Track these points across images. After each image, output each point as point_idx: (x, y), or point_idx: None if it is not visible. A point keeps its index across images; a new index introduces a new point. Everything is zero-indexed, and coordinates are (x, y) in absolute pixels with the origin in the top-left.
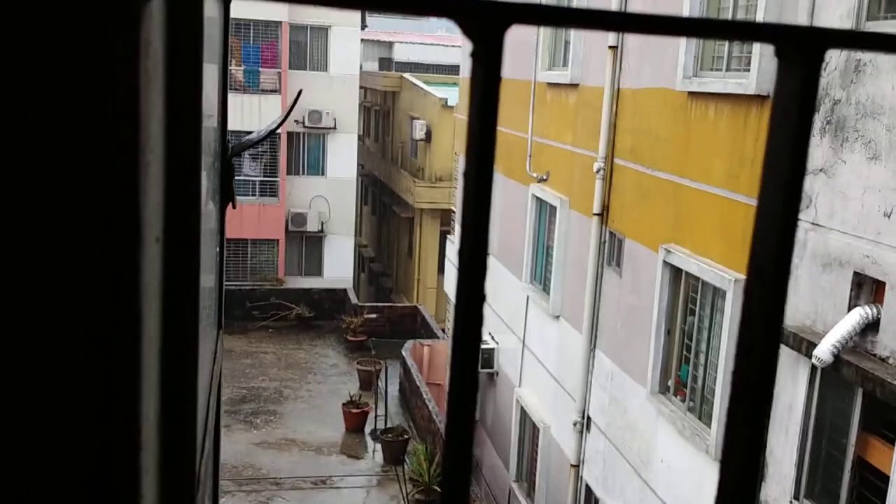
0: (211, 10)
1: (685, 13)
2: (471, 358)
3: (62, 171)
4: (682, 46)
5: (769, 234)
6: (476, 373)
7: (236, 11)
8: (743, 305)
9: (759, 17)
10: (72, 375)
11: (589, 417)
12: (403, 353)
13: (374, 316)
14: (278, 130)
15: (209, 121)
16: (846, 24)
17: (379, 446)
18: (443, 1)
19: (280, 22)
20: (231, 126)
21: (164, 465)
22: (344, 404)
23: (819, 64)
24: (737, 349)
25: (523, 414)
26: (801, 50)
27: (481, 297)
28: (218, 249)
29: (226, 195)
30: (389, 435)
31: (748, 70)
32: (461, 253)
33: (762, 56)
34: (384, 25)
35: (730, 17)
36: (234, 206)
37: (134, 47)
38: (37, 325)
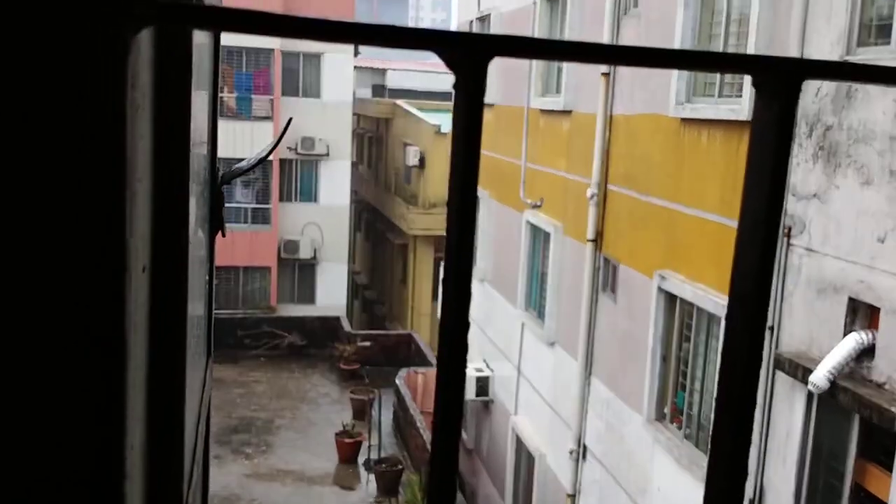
0: (201, 37)
1: (677, 39)
2: (456, 383)
3: (47, 202)
4: (675, 73)
5: (749, 260)
6: (461, 396)
7: (228, 39)
8: (725, 330)
9: (751, 43)
10: (54, 403)
11: (585, 446)
12: (397, 381)
13: (367, 344)
14: (270, 157)
15: (199, 148)
16: (836, 50)
17: (373, 477)
18: (425, 35)
19: (272, 49)
20: (223, 153)
21: (150, 494)
22: (337, 434)
23: (796, 94)
24: (721, 369)
25: (519, 442)
26: (779, 81)
27: (465, 324)
28: (207, 278)
29: (215, 223)
30: (383, 465)
31: (740, 96)
32: (445, 282)
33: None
34: (377, 53)
35: (721, 43)
36: (223, 235)
37: (121, 79)
38: (18, 354)
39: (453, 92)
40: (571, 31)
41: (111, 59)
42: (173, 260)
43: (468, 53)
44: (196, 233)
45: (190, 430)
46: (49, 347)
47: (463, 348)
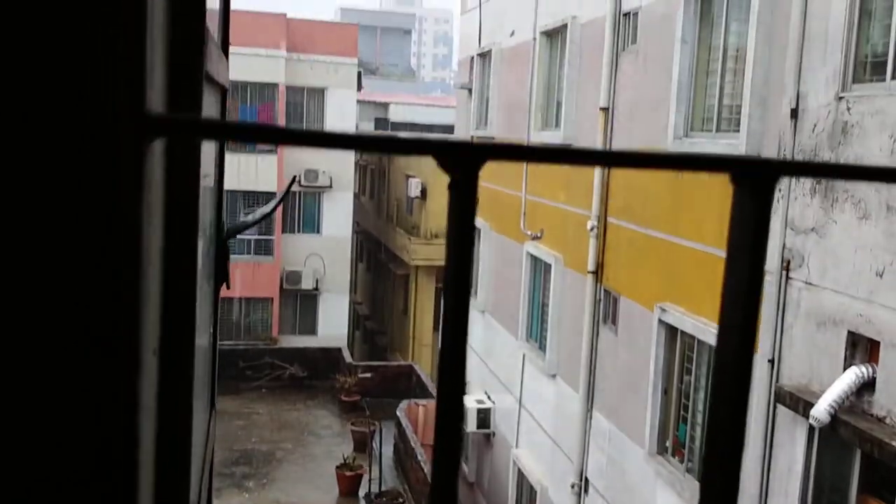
0: (207, 104)
1: (675, 74)
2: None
3: (64, 303)
4: (673, 107)
5: (729, 349)
6: (461, 431)
7: (233, 73)
8: (708, 429)
9: (747, 80)
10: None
11: (587, 479)
12: (398, 413)
13: (368, 375)
14: (272, 188)
15: (206, 204)
16: (832, 87)
17: None
18: (424, 142)
19: (277, 84)
20: (227, 185)
21: None
22: (337, 467)
23: (771, 192)
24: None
25: (520, 475)
26: (755, 179)
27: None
28: (212, 330)
29: (220, 276)
30: (384, 499)
31: (738, 131)
32: (439, 377)
33: (751, 117)
34: (380, 87)
35: (717, 79)
36: (227, 287)
37: (137, 185)
38: (32, 446)
39: (448, 191)
40: (571, 67)
41: (128, 168)
42: (181, 340)
43: (462, 159)
44: (201, 288)
45: (193, 483)
46: (59, 436)
47: (461, 385)
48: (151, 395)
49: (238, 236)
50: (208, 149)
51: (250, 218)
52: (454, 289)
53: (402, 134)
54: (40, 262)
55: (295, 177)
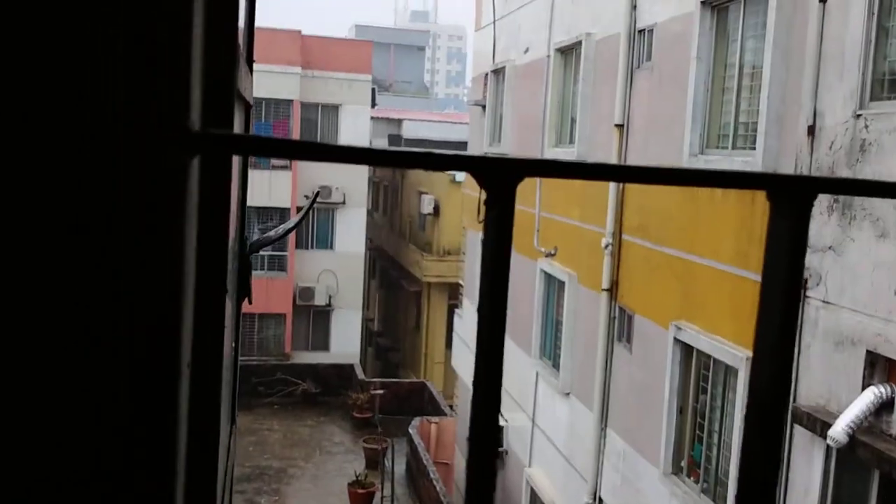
0: (238, 119)
1: (690, 92)
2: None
3: (109, 316)
4: (688, 124)
5: (766, 369)
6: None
7: None
8: (742, 447)
9: (763, 97)
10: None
11: (601, 498)
12: (410, 430)
13: (380, 392)
14: (286, 204)
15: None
16: (849, 105)
17: None
18: (462, 159)
19: (291, 100)
20: None
21: None
22: (349, 484)
23: (808, 209)
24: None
25: (533, 495)
26: (792, 196)
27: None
28: (234, 345)
29: (242, 292)
30: None
31: (754, 148)
32: (474, 400)
33: (767, 135)
34: (394, 103)
35: (733, 96)
36: (250, 302)
37: (181, 198)
38: (80, 461)
39: (485, 207)
40: (585, 84)
41: (173, 183)
42: (212, 354)
43: (499, 175)
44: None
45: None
46: (105, 446)
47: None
48: (185, 407)
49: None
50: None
51: (273, 233)
52: (490, 306)
53: (440, 151)
54: (86, 277)
55: (318, 191)
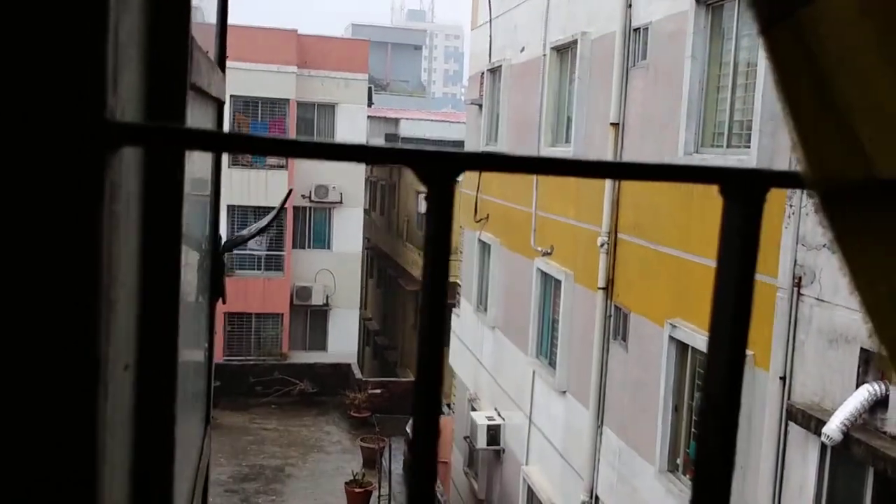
0: (203, 117)
1: (685, 90)
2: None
3: (18, 316)
4: (683, 123)
5: (720, 366)
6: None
7: (244, 89)
8: (697, 441)
9: (758, 95)
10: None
11: (597, 496)
12: (408, 429)
13: (378, 391)
14: (285, 206)
15: (202, 217)
16: None
17: None
18: (399, 151)
19: (288, 100)
20: (238, 201)
21: None
22: (347, 483)
23: (761, 202)
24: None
25: (530, 493)
26: (744, 190)
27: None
28: (207, 345)
29: (216, 291)
30: None
31: (748, 147)
32: (416, 390)
33: (762, 133)
34: (391, 102)
35: (728, 94)
36: (223, 302)
37: (97, 196)
38: None
39: (425, 202)
40: (580, 83)
41: (88, 176)
42: (162, 355)
43: (437, 169)
44: (196, 301)
45: (181, 503)
46: (21, 446)
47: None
48: (125, 410)
49: (248, 252)
50: (204, 164)
51: (246, 232)
52: (431, 296)
53: (376, 143)
54: None
55: (291, 190)
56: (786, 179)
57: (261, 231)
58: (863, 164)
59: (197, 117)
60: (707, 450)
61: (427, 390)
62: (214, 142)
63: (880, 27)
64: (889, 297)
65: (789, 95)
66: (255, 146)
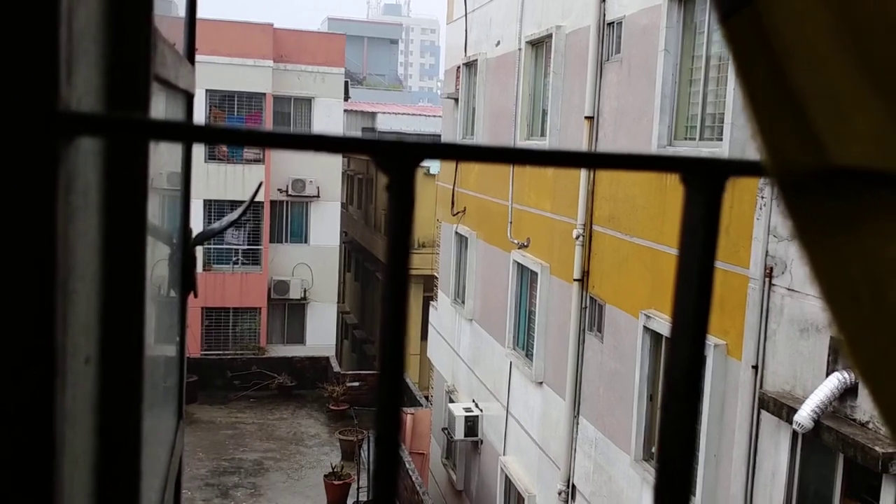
0: (173, 111)
1: (658, 83)
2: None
3: None
4: (657, 116)
5: (682, 348)
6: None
7: (221, 83)
8: (659, 431)
9: (730, 88)
10: None
11: (574, 486)
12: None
13: (356, 384)
14: (260, 198)
15: (172, 209)
16: None
17: None
18: (358, 141)
19: (264, 94)
20: (215, 196)
21: None
22: (326, 476)
23: (721, 190)
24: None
25: (508, 483)
26: (705, 178)
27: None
28: (179, 339)
29: (187, 284)
30: None
31: (721, 139)
32: (379, 381)
33: (734, 126)
34: (367, 97)
35: (701, 87)
36: (195, 296)
37: (51, 187)
38: None
39: (385, 192)
40: (556, 77)
41: (38, 167)
42: (127, 348)
43: (396, 158)
44: (167, 294)
45: (153, 498)
46: None
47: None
48: (87, 402)
49: (226, 246)
50: (174, 156)
51: (217, 225)
52: (392, 287)
53: (334, 133)
54: None
55: (261, 183)
56: (746, 168)
57: (232, 223)
58: (817, 152)
59: (163, 110)
60: (669, 431)
61: (391, 380)
62: (169, 131)
63: (835, 14)
64: (846, 287)
65: (748, 84)
66: (212, 136)
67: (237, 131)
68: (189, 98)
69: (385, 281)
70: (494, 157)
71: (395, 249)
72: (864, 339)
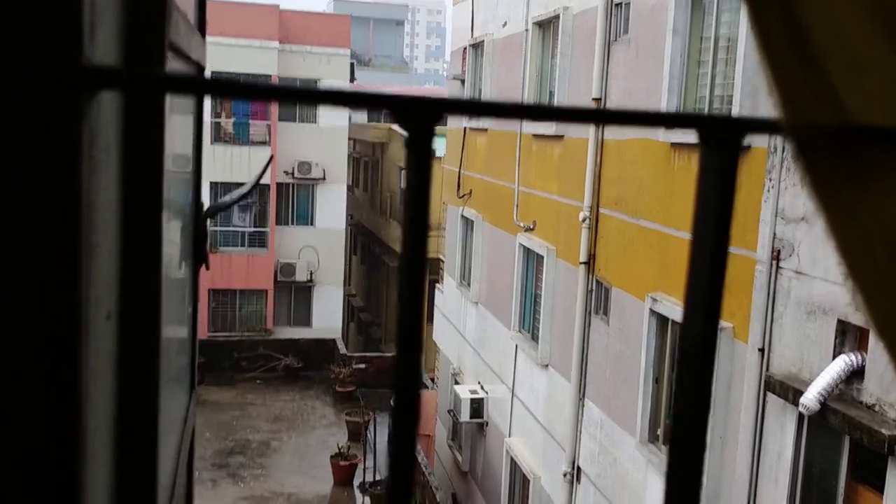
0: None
1: (666, 64)
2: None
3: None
4: (664, 96)
5: (697, 313)
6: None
7: (226, 65)
8: (675, 396)
9: (738, 69)
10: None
11: (579, 467)
12: (392, 403)
13: (362, 366)
14: (267, 182)
15: (183, 184)
16: None
17: (368, 499)
18: (380, 97)
19: (269, 76)
20: (221, 178)
21: None
22: (332, 456)
23: (737, 150)
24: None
25: (513, 464)
26: (722, 137)
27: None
28: (191, 309)
29: (199, 256)
30: (378, 487)
31: None
32: (398, 328)
33: (742, 107)
34: (373, 78)
35: (709, 68)
36: (207, 268)
37: (75, 141)
38: None
39: (405, 149)
40: (563, 58)
41: (65, 121)
42: (144, 304)
43: (417, 114)
44: (180, 266)
45: (167, 466)
46: None
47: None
48: (108, 358)
49: (232, 229)
50: (186, 130)
51: (228, 198)
52: (410, 250)
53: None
54: None
55: (272, 156)
56: (762, 126)
57: (244, 196)
58: (834, 108)
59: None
60: (683, 402)
61: (409, 333)
62: (189, 85)
63: None
64: (860, 240)
65: (763, 35)
66: (232, 90)
67: (254, 85)
68: (200, 70)
69: (404, 237)
70: (511, 112)
71: (416, 205)
72: (880, 293)
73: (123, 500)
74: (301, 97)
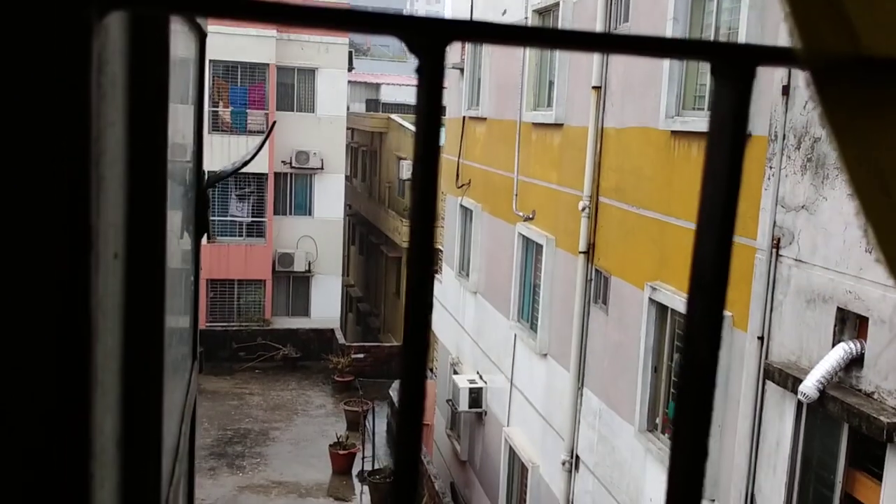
0: (186, 49)
1: (666, 60)
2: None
3: (7, 188)
4: (665, 86)
5: (708, 247)
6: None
7: (224, 54)
8: (686, 319)
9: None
10: (15, 393)
11: (577, 456)
12: (391, 393)
13: (361, 356)
14: (264, 170)
15: (184, 152)
16: None
17: (367, 488)
18: (388, 19)
19: (267, 64)
20: (218, 166)
21: (125, 491)
22: (331, 445)
23: (751, 80)
24: (682, 358)
25: (512, 453)
26: (735, 66)
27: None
28: (193, 279)
29: (201, 226)
30: (377, 476)
31: None
32: (409, 263)
33: None
34: (371, 67)
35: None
36: (209, 239)
37: (85, 62)
38: None
39: (416, 75)
40: None
41: (74, 41)
42: (150, 247)
43: (429, 37)
44: (182, 234)
45: (171, 428)
46: (8, 330)
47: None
48: (115, 297)
49: (230, 219)
50: (186, 110)
51: (230, 166)
52: (422, 179)
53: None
54: None
55: (275, 122)
56: (777, 55)
57: (245, 164)
58: (850, 39)
59: (182, 46)
60: (694, 327)
61: (420, 282)
62: (192, 4)
63: None
64: (874, 174)
65: None
66: (237, 9)
67: (268, 4)
68: (202, 37)
69: (414, 172)
70: (524, 37)
71: (426, 132)
72: (892, 229)
73: (131, 433)
74: (306, 18)
